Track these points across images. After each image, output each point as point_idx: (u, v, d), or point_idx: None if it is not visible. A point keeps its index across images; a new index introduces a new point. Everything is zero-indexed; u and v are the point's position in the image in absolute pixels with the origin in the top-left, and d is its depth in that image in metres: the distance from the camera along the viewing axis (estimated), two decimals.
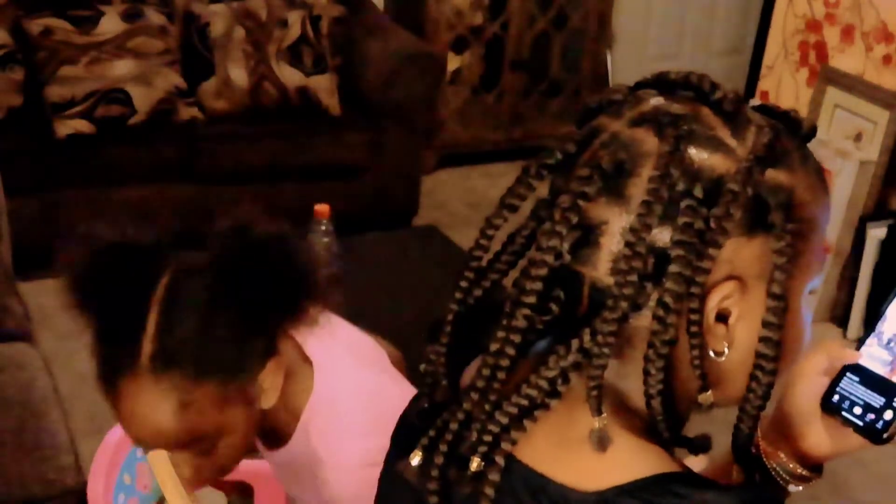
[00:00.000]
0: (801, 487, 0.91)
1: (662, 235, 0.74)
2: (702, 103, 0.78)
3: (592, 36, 4.38)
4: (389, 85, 3.52)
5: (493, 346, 0.78)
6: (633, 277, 0.74)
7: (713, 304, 0.76)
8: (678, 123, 0.76)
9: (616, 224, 0.75)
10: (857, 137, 3.38)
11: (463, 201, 4.06)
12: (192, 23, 3.49)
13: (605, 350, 0.74)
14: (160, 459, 1.11)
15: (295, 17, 3.54)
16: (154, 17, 3.38)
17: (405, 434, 0.88)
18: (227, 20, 3.49)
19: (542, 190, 0.82)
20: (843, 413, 0.86)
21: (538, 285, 0.76)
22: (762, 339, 0.77)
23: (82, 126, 3.25)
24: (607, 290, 0.75)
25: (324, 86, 3.56)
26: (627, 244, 0.74)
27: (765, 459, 0.91)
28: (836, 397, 0.87)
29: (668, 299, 0.74)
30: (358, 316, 2.51)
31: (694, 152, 0.75)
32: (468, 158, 4.32)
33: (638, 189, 0.75)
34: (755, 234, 0.76)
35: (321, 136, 3.53)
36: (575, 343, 0.76)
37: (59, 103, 3.23)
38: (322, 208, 2.59)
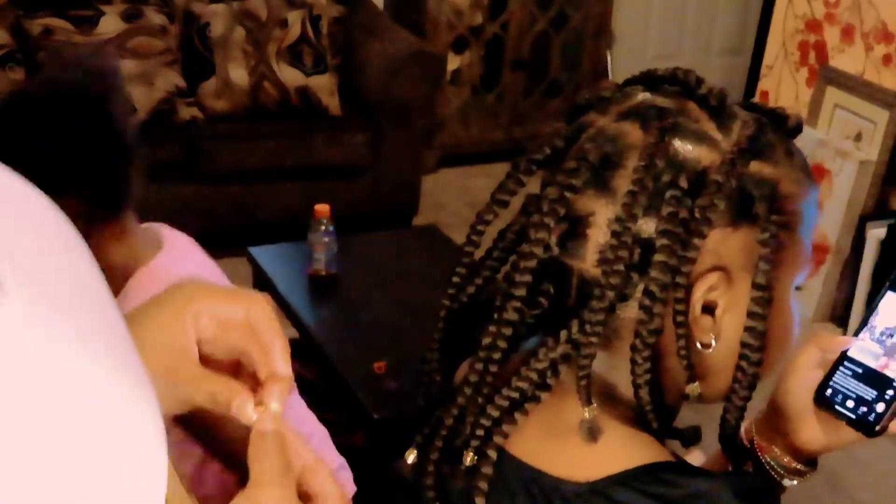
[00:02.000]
0: (795, 482, 0.91)
1: (648, 226, 0.76)
2: (688, 98, 0.80)
3: (592, 36, 4.39)
4: (389, 85, 3.52)
5: (485, 341, 0.79)
6: (620, 267, 0.75)
7: (699, 294, 0.77)
8: (663, 116, 0.78)
9: (602, 215, 0.77)
10: (857, 137, 3.38)
11: (463, 201, 4.06)
12: (192, 23, 3.49)
13: (594, 340, 0.76)
14: None
15: (295, 17, 3.54)
16: (154, 17, 3.39)
17: (400, 434, 0.88)
18: (227, 20, 3.50)
19: (533, 187, 0.83)
20: (836, 407, 0.86)
21: (528, 277, 0.77)
22: (747, 329, 0.78)
23: None
24: (594, 281, 0.76)
25: (324, 86, 3.56)
26: (613, 234, 0.75)
27: (759, 454, 0.91)
28: (828, 391, 0.87)
29: (653, 288, 0.75)
30: (359, 315, 2.52)
31: (679, 144, 0.77)
32: (468, 158, 4.32)
33: (624, 180, 0.76)
34: (740, 225, 0.77)
35: (321, 136, 3.54)
36: (564, 334, 0.77)
37: None
38: (322, 208, 2.60)
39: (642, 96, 0.81)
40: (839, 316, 3.35)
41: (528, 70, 4.33)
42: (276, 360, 0.64)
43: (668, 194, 0.75)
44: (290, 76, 3.52)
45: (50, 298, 0.41)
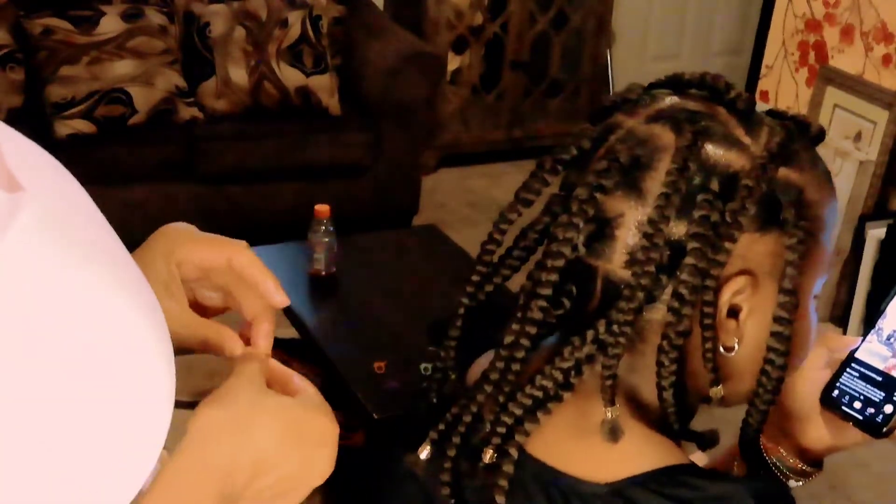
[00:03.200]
0: (801, 482, 0.91)
1: (679, 228, 0.76)
2: (716, 103, 0.80)
3: (592, 36, 4.39)
4: (389, 85, 3.52)
5: (508, 339, 0.79)
6: (650, 268, 0.75)
7: (726, 297, 0.77)
8: (695, 120, 0.78)
9: (632, 217, 0.77)
10: (857, 137, 3.38)
11: (463, 201, 4.06)
12: (193, 23, 3.49)
13: (621, 340, 0.75)
14: None
15: (295, 17, 3.54)
16: (154, 17, 3.39)
17: (410, 429, 0.88)
18: (227, 20, 3.50)
19: (554, 188, 0.83)
20: (843, 407, 0.86)
21: (554, 276, 0.77)
22: (773, 334, 0.78)
23: (83, 126, 3.25)
24: (621, 283, 0.76)
25: (324, 86, 3.56)
26: (645, 236, 0.75)
27: (765, 454, 0.92)
28: (835, 392, 0.87)
29: (682, 291, 0.75)
30: (359, 315, 2.52)
31: (710, 148, 0.77)
32: (468, 158, 4.32)
33: (654, 183, 0.76)
34: (768, 230, 0.77)
35: (321, 136, 3.53)
36: (590, 334, 0.77)
37: (59, 103, 3.23)
38: (322, 208, 2.60)
39: (671, 100, 0.80)
40: (839, 316, 3.35)
41: (528, 70, 4.33)
42: (271, 293, 0.73)
43: (699, 197, 0.75)
44: (291, 76, 3.52)
45: (61, 219, 0.51)
